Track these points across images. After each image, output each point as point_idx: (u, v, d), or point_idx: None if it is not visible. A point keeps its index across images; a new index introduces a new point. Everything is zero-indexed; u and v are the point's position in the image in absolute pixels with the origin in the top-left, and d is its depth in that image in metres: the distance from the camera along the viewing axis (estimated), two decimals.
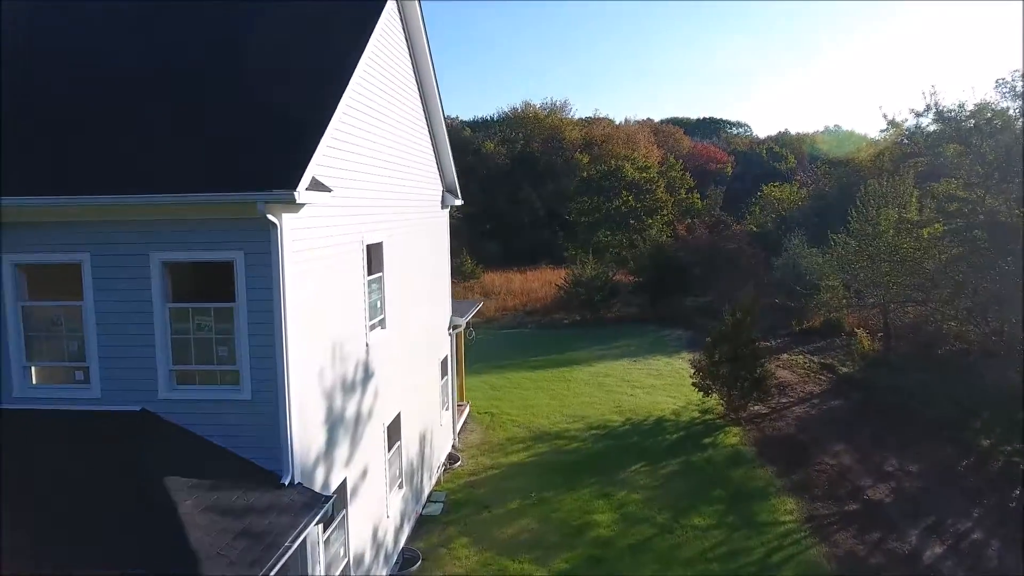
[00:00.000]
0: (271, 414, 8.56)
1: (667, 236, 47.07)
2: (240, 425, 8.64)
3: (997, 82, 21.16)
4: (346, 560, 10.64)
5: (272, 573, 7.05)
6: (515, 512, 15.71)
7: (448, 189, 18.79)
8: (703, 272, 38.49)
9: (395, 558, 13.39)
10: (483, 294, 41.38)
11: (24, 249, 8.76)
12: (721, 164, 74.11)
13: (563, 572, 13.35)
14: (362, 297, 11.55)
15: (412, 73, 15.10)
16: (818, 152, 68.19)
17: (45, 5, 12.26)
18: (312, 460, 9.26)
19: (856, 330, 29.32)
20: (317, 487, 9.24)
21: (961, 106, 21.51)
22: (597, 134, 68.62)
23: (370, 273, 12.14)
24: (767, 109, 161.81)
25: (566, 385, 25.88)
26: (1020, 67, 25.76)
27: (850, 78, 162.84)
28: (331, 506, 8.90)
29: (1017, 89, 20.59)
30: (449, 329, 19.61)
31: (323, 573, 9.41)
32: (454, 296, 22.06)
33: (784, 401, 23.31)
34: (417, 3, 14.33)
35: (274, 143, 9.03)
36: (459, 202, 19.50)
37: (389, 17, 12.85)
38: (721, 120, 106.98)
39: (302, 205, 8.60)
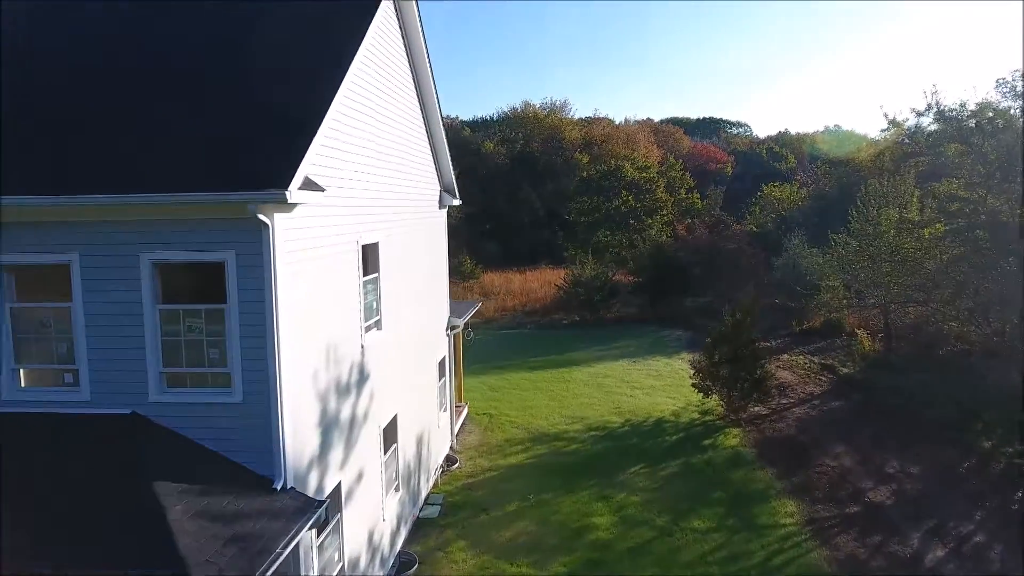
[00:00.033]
0: (263, 417, 8.42)
1: (667, 236, 46.94)
2: (232, 428, 8.51)
3: (998, 82, 21.07)
4: (341, 565, 10.51)
5: None
6: (513, 514, 15.58)
7: (446, 189, 18.66)
8: (703, 272, 38.35)
9: (391, 562, 13.26)
10: (482, 294, 41.24)
11: (12, 249, 8.61)
12: (721, 164, 73.97)
13: None
14: (357, 298, 11.43)
15: (409, 73, 14.98)
16: (818, 152, 68.09)
17: (44, 4, 12.14)
18: (305, 464, 9.13)
19: (857, 331, 29.20)
20: (310, 491, 9.11)
21: (962, 105, 21.40)
22: (597, 134, 68.47)
23: (366, 274, 12.01)
24: (767, 109, 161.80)
25: (565, 386, 25.75)
26: (1020, 67, 25.60)
27: (850, 78, 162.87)
28: (324, 511, 8.78)
29: (1018, 89, 20.48)
30: (447, 330, 19.49)
31: None
32: (453, 296, 21.94)
33: (784, 402, 23.18)
34: (414, 2, 14.22)
35: (266, 142, 8.90)
36: (457, 202, 19.38)
37: (385, 16, 12.73)
38: (721, 120, 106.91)
39: (294, 205, 8.47)
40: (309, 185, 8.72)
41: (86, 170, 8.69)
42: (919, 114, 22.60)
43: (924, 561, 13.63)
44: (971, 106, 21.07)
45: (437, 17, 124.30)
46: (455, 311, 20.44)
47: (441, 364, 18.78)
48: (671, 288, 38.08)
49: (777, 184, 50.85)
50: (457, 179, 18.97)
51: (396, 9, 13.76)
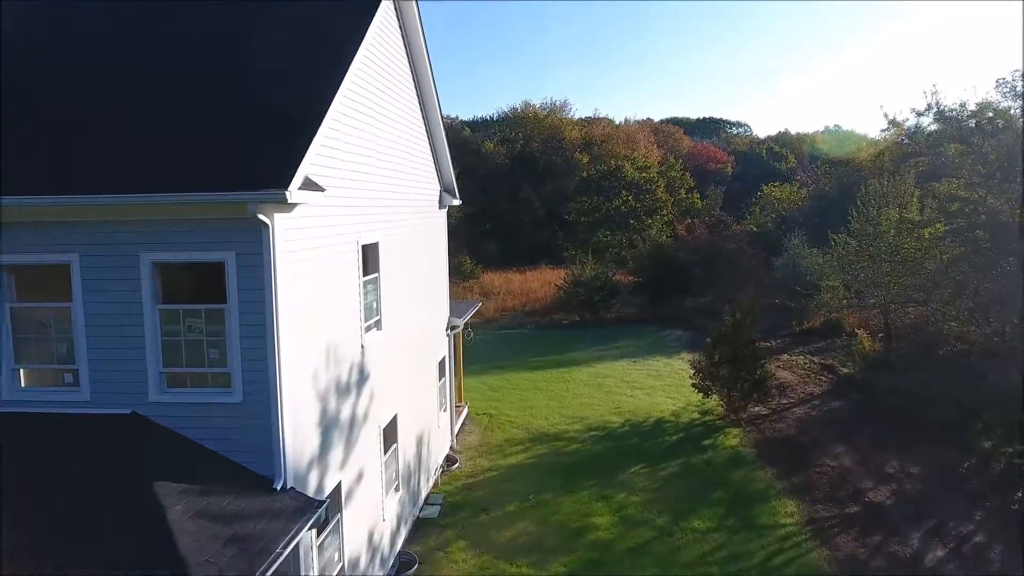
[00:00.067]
0: (263, 417, 8.42)
1: (667, 236, 46.93)
2: (231, 428, 8.51)
3: (997, 82, 21.07)
4: (341, 565, 10.51)
5: None
6: (513, 515, 15.58)
7: (446, 189, 18.66)
8: (703, 272, 38.33)
9: (391, 562, 13.26)
10: (482, 294, 41.22)
11: (12, 249, 8.60)
12: (721, 164, 73.93)
13: None
14: (357, 298, 11.42)
15: (409, 73, 14.98)
16: (818, 152, 68.09)
17: (44, 4, 12.14)
18: (305, 464, 9.13)
19: (857, 331, 29.18)
20: (310, 491, 9.11)
21: (963, 105, 21.39)
22: (597, 134, 68.45)
23: (366, 274, 12.01)
24: (767, 109, 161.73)
25: (565, 386, 25.75)
26: (1020, 67, 25.61)
27: (850, 78, 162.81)
28: (325, 511, 8.77)
29: (1018, 89, 20.47)
30: (447, 330, 19.49)
31: None
32: (453, 296, 21.93)
33: (784, 402, 23.17)
34: (414, 2, 14.22)
35: (266, 142, 8.89)
36: (457, 202, 19.37)
37: (385, 16, 12.73)
38: (721, 120, 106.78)
39: (294, 205, 8.47)
40: (309, 185, 8.72)
41: (86, 170, 8.68)
42: (919, 114, 22.61)
43: (924, 561, 13.62)
44: (971, 106, 21.07)
45: (437, 17, 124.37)
46: (455, 311, 20.44)
47: (441, 364, 18.78)
48: (671, 288, 38.07)
49: (777, 184, 50.85)
50: (457, 179, 18.96)
51: (396, 9, 13.76)
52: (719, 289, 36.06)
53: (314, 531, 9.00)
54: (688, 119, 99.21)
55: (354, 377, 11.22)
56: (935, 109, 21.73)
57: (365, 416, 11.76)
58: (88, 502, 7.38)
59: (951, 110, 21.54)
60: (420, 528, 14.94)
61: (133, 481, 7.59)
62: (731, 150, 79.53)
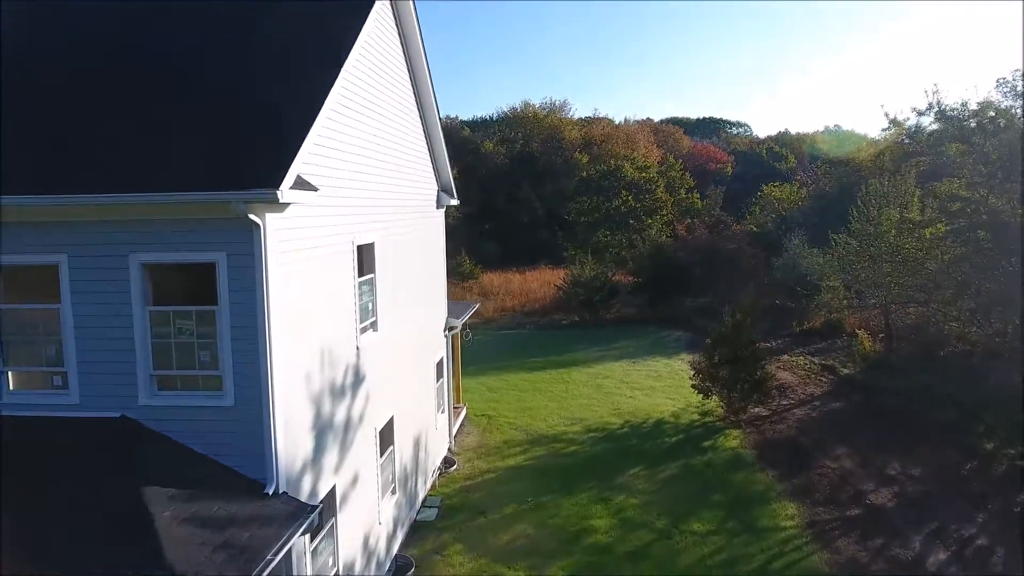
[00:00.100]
0: (255, 421, 8.29)
1: (667, 236, 46.79)
2: (223, 432, 8.38)
3: (998, 81, 20.93)
4: (335, 569, 10.37)
5: None
6: (511, 517, 15.44)
7: (444, 189, 18.52)
8: (703, 272, 38.17)
9: (388, 565, 13.12)
10: (482, 294, 41.09)
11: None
12: (721, 164, 73.79)
13: None
14: (352, 299, 11.28)
15: (407, 72, 14.85)
16: (818, 152, 67.98)
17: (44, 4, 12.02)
18: (298, 468, 8.99)
19: (857, 331, 29.02)
20: (304, 496, 8.97)
21: (964, 105, 21.22)
22: (596, 134, 68.33)
23: (362, 274, 11.88)
24: (767, 109, 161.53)
25: (564, 387, 25.61)
26: (1021, 66, 25.44)
27: (851, 78, 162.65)
28: (318, 515, 8.63)
29: (1018, 88, 20.32)
30: (445, 331, 19.35)
31: None
32: (452, 297, 21.81)
33: (785, 403, 23.04)
34: (411, 3, 14.09)
35: (258, 141, 8.78)
36: (455, 202, 19.24)
37: (381, 15, 12.60)
38: (721, 120, 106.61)
39: (286, 205, 8.33)
40: (301, 184, 8.59)
41: (73, 170, 8.57)
42: (920, 113, 22.40)
43: (926, 564, 13.48)
44: (972, 105, 20.88)
45: (437, 17, 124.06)
46: (453, 312, 20.30)
47: (439, 365, 18.65)
48: (671, 288, 37.93)
49: (777, 184, 50.70)
50: (456, 179, 18.84)
51: (393, 10, 13.65)
52: (719, 289, 35.92)
53: (307, 536, 8.86)
54: (688, 119, 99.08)
55: (349, 379, 11.08)
56: (936, 108, 21.56)
57: (360, 418, 11.62)
58: (74, 508, 7.24)
59: (952, 109, 21.37)
60: (417, 531, 14.80)
61: (121, 486, 7.46)
62: (731, 150, 79.39)
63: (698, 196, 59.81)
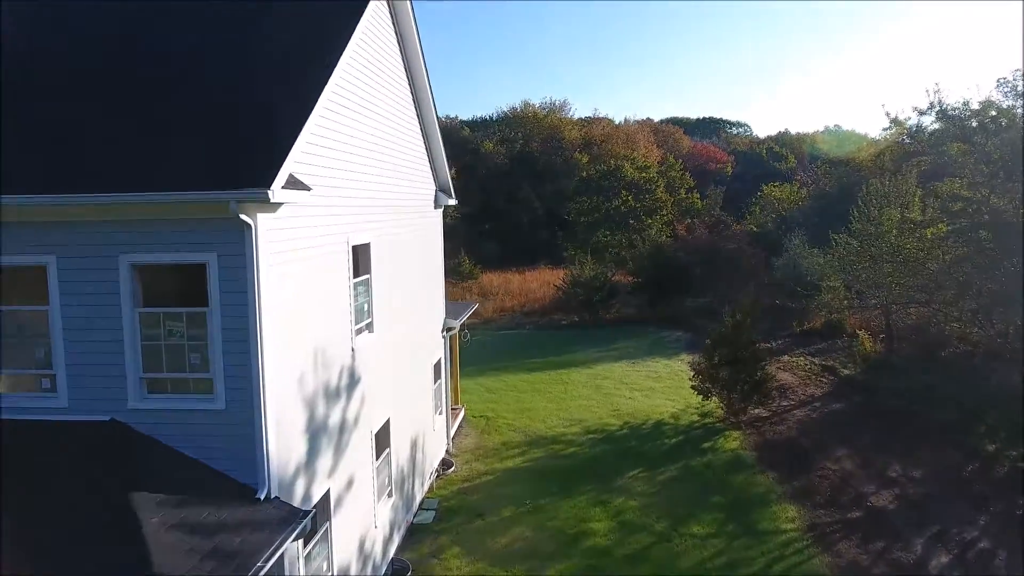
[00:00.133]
0: (246, 424, 8.15)
1: (667, 236, 46.67)
2: (214, 436, 8.24)
3: (999, 81, 20.81)
4: (330, 574, 10.24)
5: None
6: (509, 520, 15.30)
7: (442, 189, 18.39)
8: (703, 273, 38.06)
9: (384, 569, 12.99)
10: (481, 295, 40.95)
11: None
12: (721, 164, 73.65)
13: None
14: (347, 300, 11.15)
15: (403, 72, 14.73)
16: (818, 152, 67.90)
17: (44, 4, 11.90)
18: (291, 472, 8.86)
19: (858, 332, 28.87)
20: (296, 500, 8.84)
21: (965, 104, 21.09)
22: (596, 134, 68.21)
23: (357, 275, 11.74)
24: (767, 109, 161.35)
25: (563, 388, 25.47)
26: (1021, 66, 25.30)
27: (851, 78, 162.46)
28: (311, 520, 8.49)
29: (1019, 88, 20.19)
30: (443, 331, 19.22)
31: None
32: (451, 297, 21.69)
33: (785, 404, 22.90)
34: (408, 2, 13.96)
35: (249, 140, 8.65)
36: (453, 202, 19.11)
37: (377, 15, 12.47)
38: (721, 120, 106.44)
39: (278, 204, 8.21)
40: (294, 184, 8.46)
41: (61, 170, 8.43)
42: (921, 113, 22.26)
43: (928, 567, 13.35)
44: (974, 105, 20.76)
45: (437, 17, 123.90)
46: (451, 312, 20.17)
47: (437, 366, 18.51)
48: (671, 288, 37.80)
49: (777, 184, 50.61)
50: (456, 179, 18.72)
51: (390, 9, 13.54)
52: (719, 289, 35.79)
53: (300, 541, 8.73)
54: (688, 119, 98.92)
55: (344, 381, 10.95)
56: (937, 108, 21.42)
57: (356, 421, 11.48)
58: (60, 514, 7.10)
59: (954, 109, 21.24)
60: (414, 534, 14.67)
61: (109, 491, 7.32)
62: (731, 150, 79.27)
63: (698, 196, 59.65)
